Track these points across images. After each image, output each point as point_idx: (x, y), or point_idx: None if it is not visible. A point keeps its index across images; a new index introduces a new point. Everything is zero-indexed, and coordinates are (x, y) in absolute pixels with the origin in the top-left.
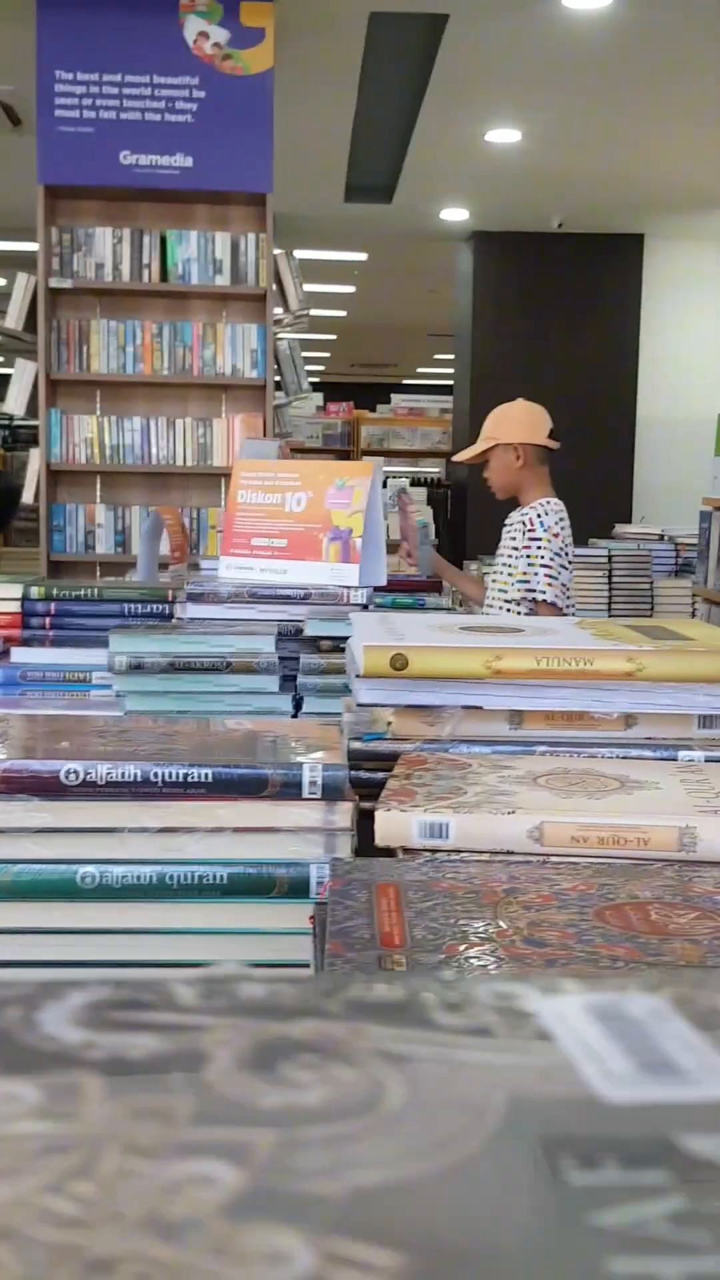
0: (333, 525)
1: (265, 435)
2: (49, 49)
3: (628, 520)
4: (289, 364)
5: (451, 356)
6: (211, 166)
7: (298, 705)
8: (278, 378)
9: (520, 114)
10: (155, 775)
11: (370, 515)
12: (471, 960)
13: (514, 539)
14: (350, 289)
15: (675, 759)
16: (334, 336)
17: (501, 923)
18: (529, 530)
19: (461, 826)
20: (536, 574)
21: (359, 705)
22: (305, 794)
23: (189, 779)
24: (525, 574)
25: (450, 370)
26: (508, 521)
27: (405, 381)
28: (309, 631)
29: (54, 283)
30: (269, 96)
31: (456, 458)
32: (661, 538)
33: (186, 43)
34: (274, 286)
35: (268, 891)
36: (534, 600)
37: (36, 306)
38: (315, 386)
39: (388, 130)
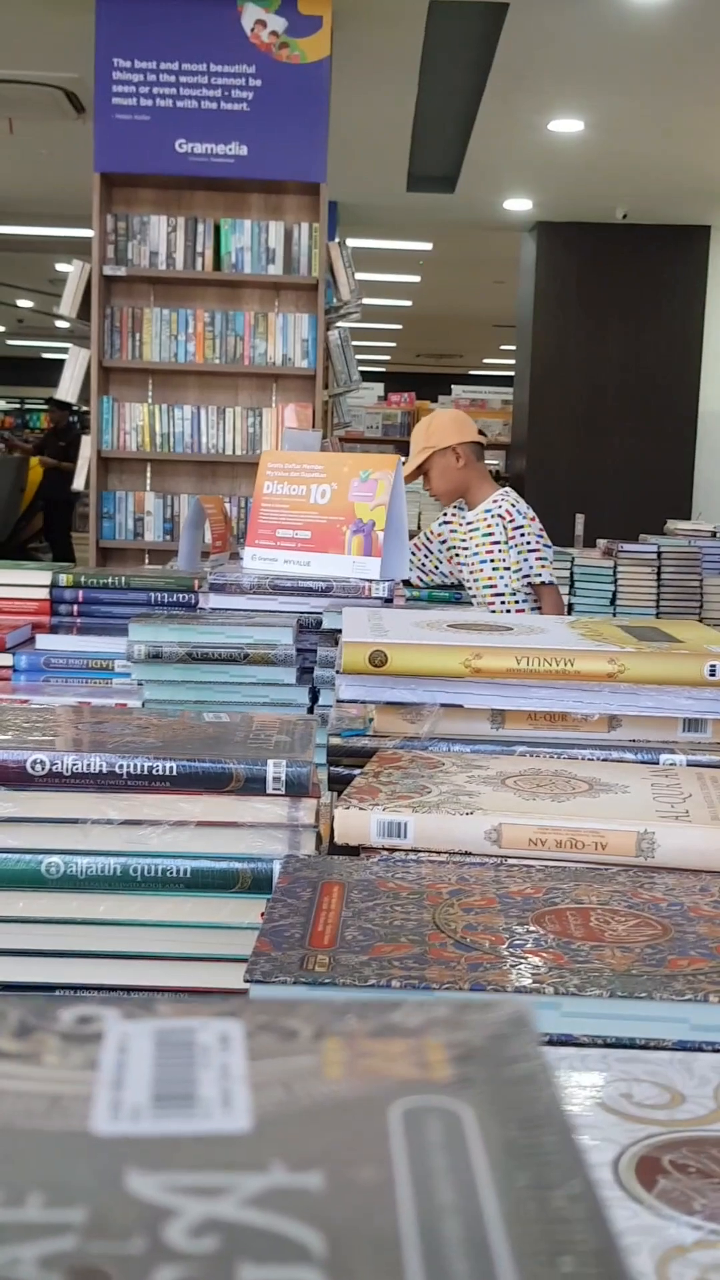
0: (355, 518)
1: (314, 426)
2: (107, 37)
3: (686, 516)
4: (339, 354)
5: (515, 347)
6: (266, 155)
7: (314, 697)
8: (339, 369)
9: (583, 103)
10: (120, 767)
11: (393, 508)
12: (393, 963)
13: (490, 534)
14: (416, 279)
15: (657, 762)
16: (399, 326)
17: (437, 925)
18: (508, 521)
19: (420, 826)
20: (528, 560)
21: (339, 701)
22: (269, 789)
23: (154, 772)
24: (518, 563)
25: (514, 361)
26: (468, 520)
27: (471, 372)
28: (327, 624)
29: (108, 270)
30: (325, 85)
31: (406, 476)
32: (715, 534)
33: (244, 31)
34: (327, 276)
35: (230, 886)
36: (534, 585)
37: (91, 293)
38: (379, 377)
39: (449, 120)
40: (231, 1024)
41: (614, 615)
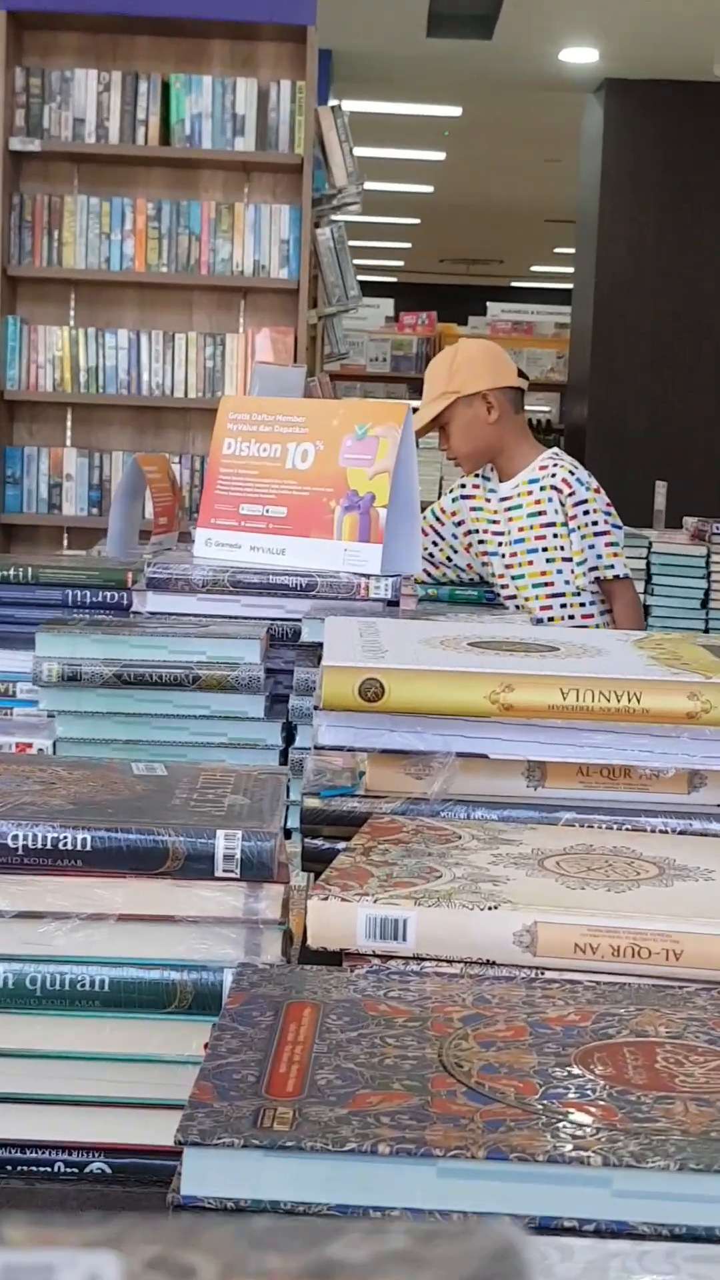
0: (348, 489)
1: (296, 360)
2: None
3: None
4: (331, 261)
5: (574, 251)
6: None
7: (290, 736)
8: (331, 280)
9: None
10: (14, 839)
11: (400, 477)
12: (382, 1120)
13: (539, 513)
14: (439, 155)
15: None
16: (416, 221)
17: (444, 1065)
18: (566, 494)
19: (425, 924)
20: (595, 547)
21: (317, 748)
22: (219, 871)
23: (60, 845)
24: (582, 553)
25: (573, 270)
26: (501, 495)
27: (515, 284)
28: (307, 636)
29: (16, 144)
30: None
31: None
32: None
33: None
34: (316, 153)
35: (164, 1004)
36: (603, 581)
37: None
38: (389, 291)
39: None
40: (106, 1260)
41: (705, 626)
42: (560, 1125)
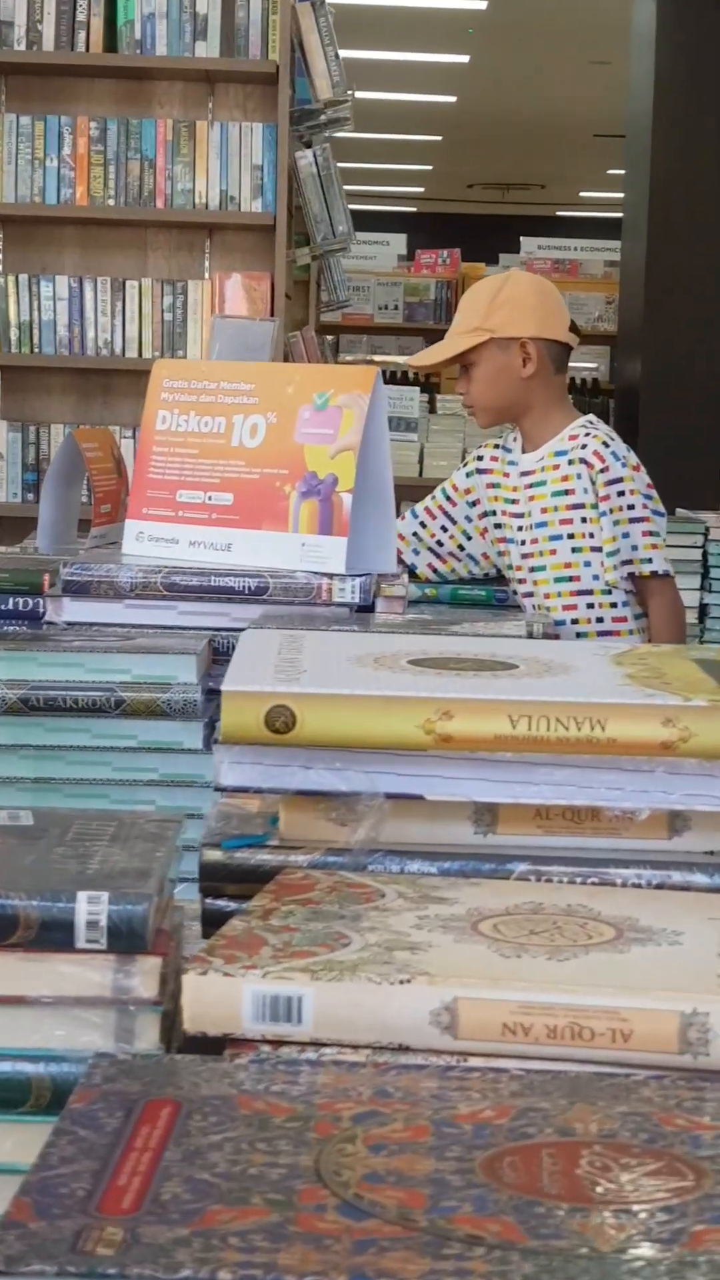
0: (306, 470)
1: (271, 311)
2: None
3: None
4: (316, 191)
5: (623, 173)
6: None
7: None
8: (316, 213)
9: None
10: None
11: (370, 455)
12: (230, 1240)
13: (566, 491)
14: (463, 59)
15: None
16: (436, 138)
17: (320, 1173)
18: (597, 470)
19: (323, 1003)
20: (630, 536)
21: (219, 789)
22: (82, 941)
23: None
24: (614, 541)
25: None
26: (523, 469)
27: (560, 213)
28: None
29: None
30: None
31: (414, 360)
32: None
33: None
34: (295, 57)
35: (19, 1103)
36: (637, 578)
37: None
38: (403, 223)
39: None
40: None
41: None
42: (445, 1246)
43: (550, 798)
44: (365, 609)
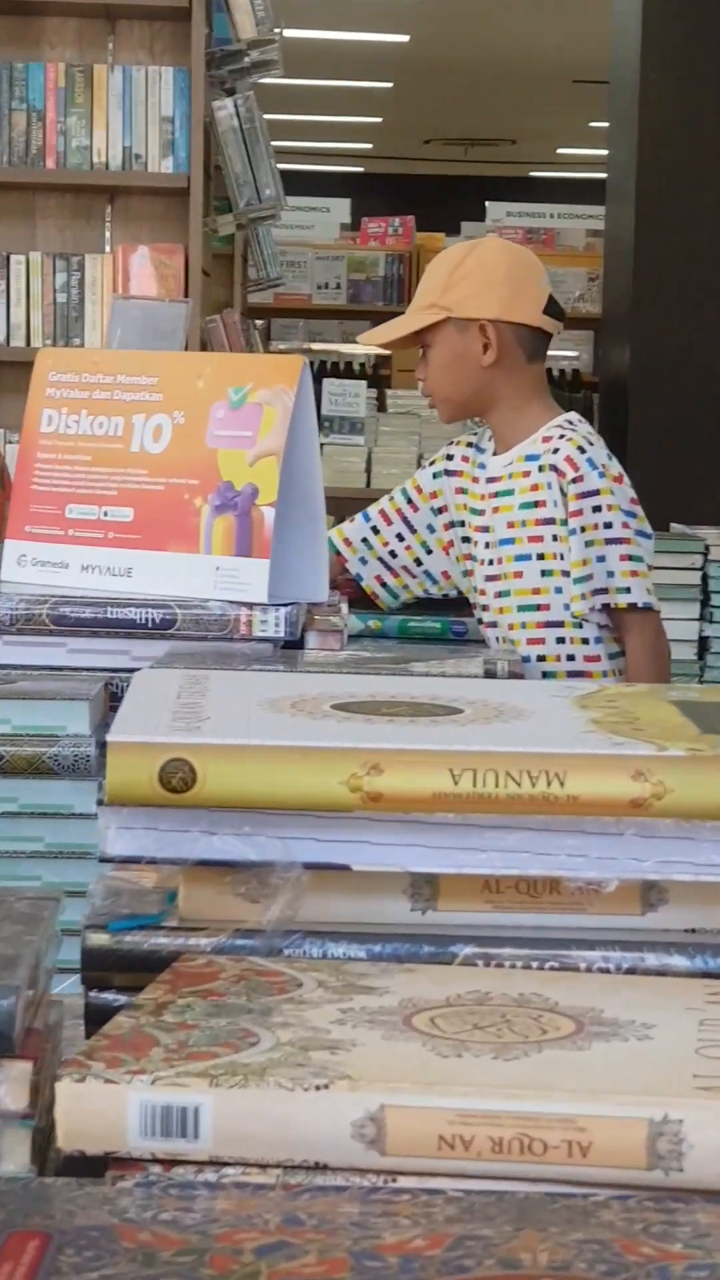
0: (221, 480)
1: (185, 290)
2: None
3: None
4: (237, 147)
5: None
6: None
7: None
8: (239, 173)
9: None
10: None
11: (296, 461)
12: None
13: (534, 502)
14: None
15: None
16: (386, 85)
17: None
18: (570, 479)
19: (225, 1114)
20: (606, 560)
21: (104, 860)
22: None
23: None
24: (585, 564)
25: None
26: (489, 473)
27: (534, 174)
28: None
29: None
30: None
31: (364, 337)
32: None
33: None
34: None
35: None
36: (613, 610)
37: None
38: (346, 185)
39: None
40: None
41: None
42: None
43: (500, 867)
44: (293, 645)
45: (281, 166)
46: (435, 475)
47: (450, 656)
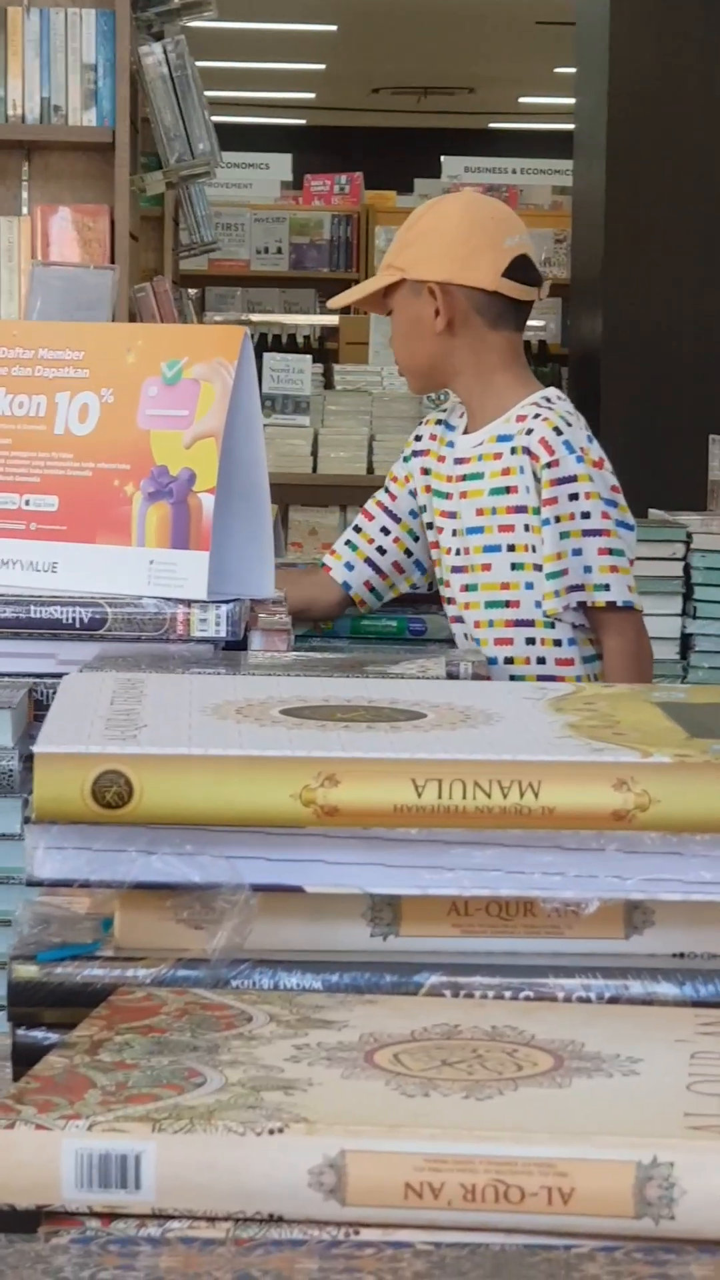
0: (154, 465)
1: (111, 256)
2: None
3: None
4: (167, 98)
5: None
6: None
7: None
8: (169, 126)
9: None
10: None
11: (237, 444)
12: None
13: (504, 487)
14: None
15: None
16: (330, 28)
17: None
18: (544, 463)
19: (169, 1162)
20: (583, 554)
21: (32, 883)
22: None
23: None
24: (559, 558)
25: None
26: (458, 454)
27: (494, 125)
28: None
29: None
30: None
31: (332, 301)
32: None
33: None
34: None
35: None
36: (590, 609)
37: None
38: (288, 139)
39: None
40: None
41: None
42: None
43: (469, 887)
44: (235, 645)
45: (216, 119)
46: (406, 459)
47: (409, 657)
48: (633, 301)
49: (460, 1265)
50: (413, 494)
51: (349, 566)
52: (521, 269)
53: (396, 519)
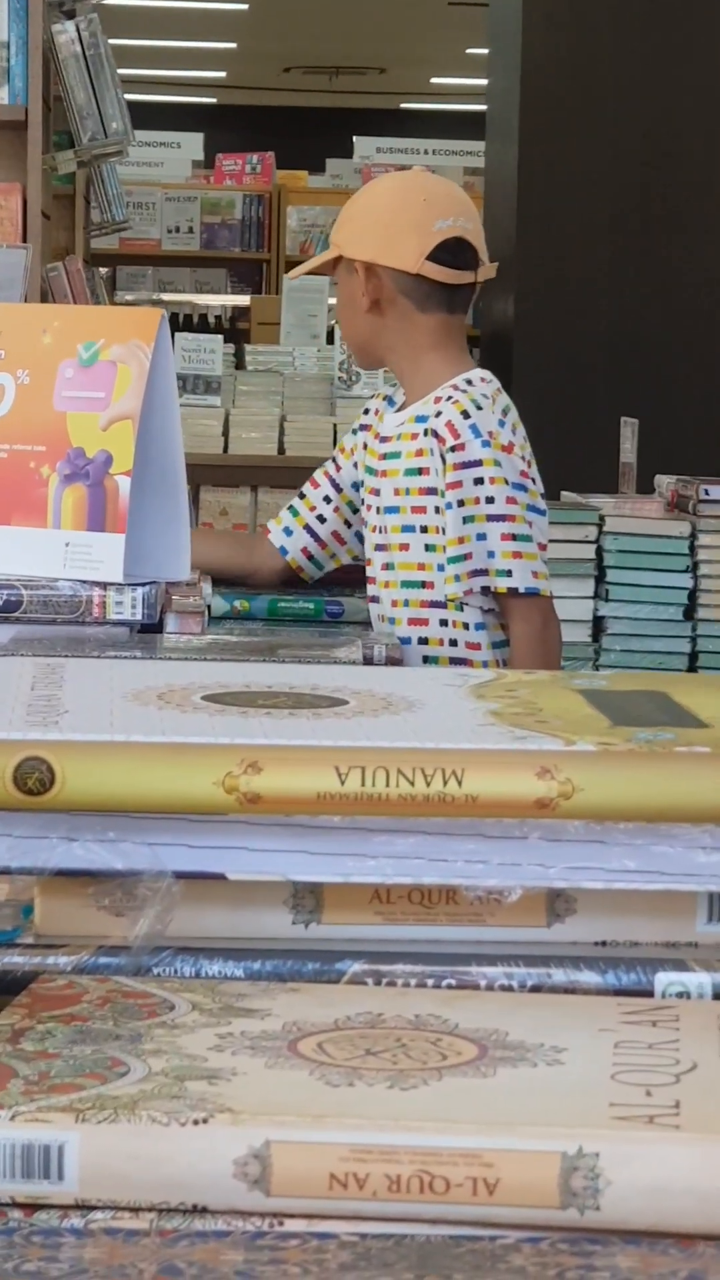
0: (70, 447)
1: (23, 235)
2: None
3: None
4: (79, 76)
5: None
6: None
7: None
8: (81, 104)
9: None
10: None
11: (154, 426)
12: None
13: (417, 467)
14: None
15: (649, 992)
16: (241, 6)
17: None
18: (450, 446)
19: (93, 1152)
20: (488, 538)
21: None
22: None
23: None
24: (462, 541)
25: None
26: (386, 436)
27: (406, 105)
28: None
29: None
30: None
31: (292, 274)
32: None
33: None
34: None
35: None
36: (493, 593)
37: None
38: (198, 118)
39: None
40: None
41: (691, 650)
42: None
43: (391, 875)
44: (151, 628)
45: (127, 98)
46: (354, 431)
47: (324, 640)
48: (544, 284)
49: (385, 1256)
50: (355, 466)
51: (288, 532)
52: (451, 251)
53: (339, 489)
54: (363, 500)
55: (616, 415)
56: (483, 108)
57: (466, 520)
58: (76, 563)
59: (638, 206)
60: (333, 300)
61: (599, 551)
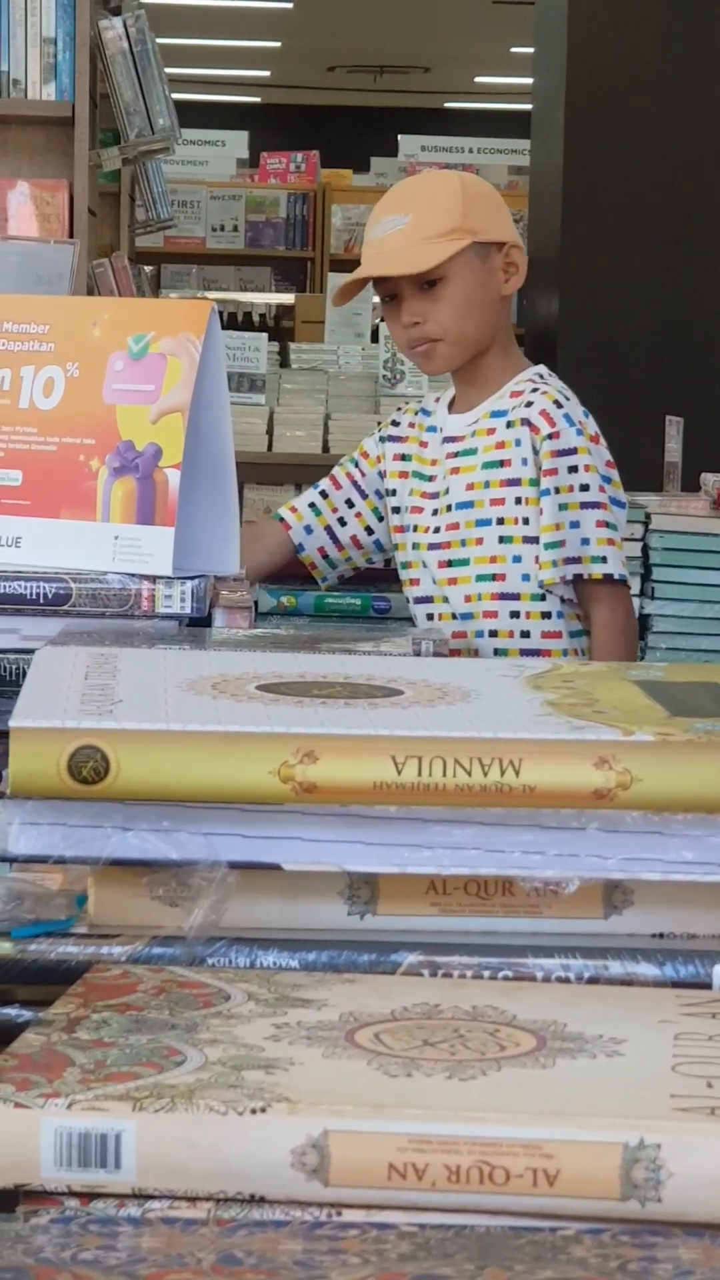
0: (120, 440)
1: (70, 231)
2: None
3: None
4: (127, 73)
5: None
6: None
7: None
8: (129, 101)
9: None
10: None
11: (204, 419)
12: None
13: (500, 463)
14: None
15: (708, 981)
16: (286, 5)
17: None
18: (545, 434)
19: (150, 1141)
20: (580, 527)
21: (6, 859)
22: None
23: None
24: (557, 529)
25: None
26: (447, 433)
27: (450, 104)
28: None
29: None
30: None
31: (371, 270)
32: None
33: None
34: None
35: None
36: (584, 582)
37: None
38: (243, 118)
39: None
40: None
41: None
42: None
43: (448, 866)
44: (199, 622)
45: (172, 96)
46: (380, 440)
47: (374, 635)
48: (589, 281)
49: (446, 1247)
50: (381, 475)
51: (308, 530)
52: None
53: (364, 495)
54: (398, 509)
55: (661, 413)
56: (527, 107)
57: (562, 507)
58: (125, 556)
59: (682, 204)
60: (375, 299)
61: (645, 549)
